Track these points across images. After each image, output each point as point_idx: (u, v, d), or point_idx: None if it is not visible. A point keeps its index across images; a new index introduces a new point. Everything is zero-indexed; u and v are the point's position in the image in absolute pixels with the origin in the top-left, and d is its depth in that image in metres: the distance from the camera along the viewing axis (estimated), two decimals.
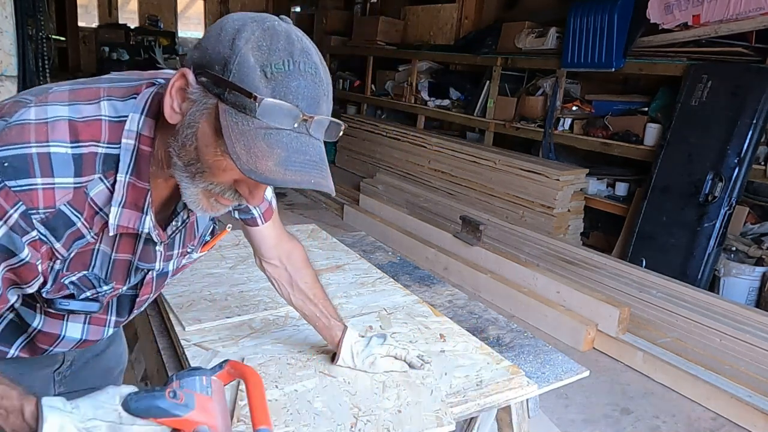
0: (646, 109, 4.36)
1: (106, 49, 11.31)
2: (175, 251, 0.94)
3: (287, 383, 1.14)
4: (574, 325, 3.01)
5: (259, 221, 1.09)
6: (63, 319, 0.91)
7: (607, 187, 4.61)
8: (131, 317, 1.01)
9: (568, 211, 4.38)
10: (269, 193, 1.08)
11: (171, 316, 1.40)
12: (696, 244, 3.55)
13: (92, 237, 0.80)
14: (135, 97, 0.78)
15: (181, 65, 0.78)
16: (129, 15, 12.37)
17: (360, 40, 7.45)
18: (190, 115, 0.72)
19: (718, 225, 3.50)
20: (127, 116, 0.77)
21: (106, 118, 0.76)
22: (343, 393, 1.13)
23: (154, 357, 1.38)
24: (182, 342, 1.29)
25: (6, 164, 0.69)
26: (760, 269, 3.43)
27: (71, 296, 0.84)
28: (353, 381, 1.17)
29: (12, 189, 0.69)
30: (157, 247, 0.89)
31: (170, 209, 0.89)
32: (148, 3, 12.37)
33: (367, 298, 1.58)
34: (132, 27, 12.02)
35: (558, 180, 4.27)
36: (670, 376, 2.69)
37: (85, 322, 0.94)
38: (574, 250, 3.80)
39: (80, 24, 11.32)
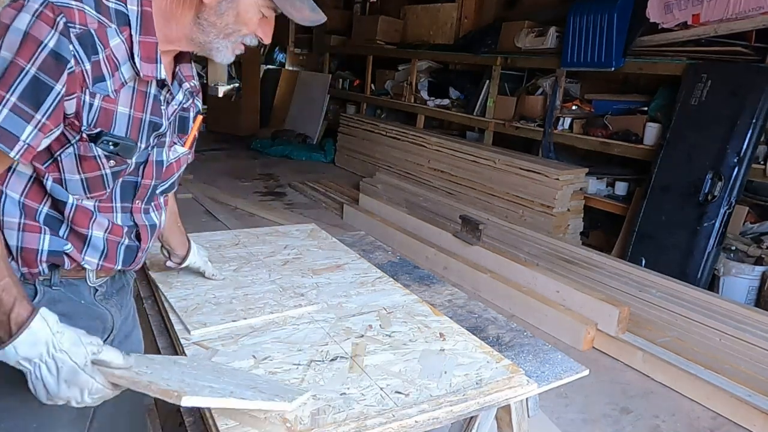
0: (646, 108, 4.36)
1: None
2: (168, 138, 1.11)
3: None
4: (573, 324, 3.02)
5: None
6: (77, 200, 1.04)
7: (606, 186, 4.61)
8: (134, 207, 1.11)
9: (568, 210, 4.38)
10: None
11: (171, 316, 1.40)
12: (695, 243, 3.55)
13: (113, 94, 0.95)
14: None
15: None
16: None
17: (360, 39, 7.46)
18: None
19: (717, 224, 3.50)
20: None
21: None
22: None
23: None
24: (182, 341, 1.29)
25: None
26: (759, 268, 3.43)
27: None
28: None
29: (55, 4, 0.86)
30: (162, 106, 1.06)
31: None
32: None
33: (367, 298, 1.58)
34: None
35: (558, 179, 4.28)
36: (669, 376, 2.69)
37: (95, 208, 1.04)
38: (574, 249, 3.80)
39: None
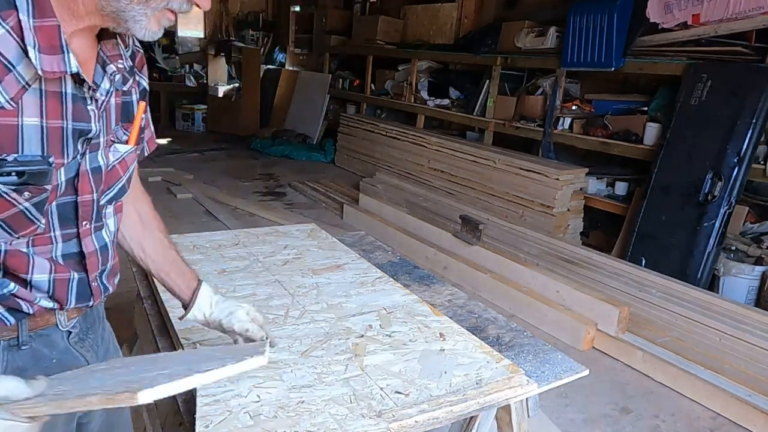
0: (646, 108, 4.36)
1: None
2: (102, 138, 0.89)
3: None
4: (573, 324, 3.01)
5: (146, 150, 1.07)
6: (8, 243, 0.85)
7: (606, 186, 4.61)
8: (81, 230, 0.91)
9: (568, 210, 4.38)
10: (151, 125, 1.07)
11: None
12: (695, 243, 3.55)
13: (9, 104, 0.74)
14: None
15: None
16: None
17: (360, 39, 7.45)
18: None
19: (717, 224, 3.50)
20: None
21: None
22: None
23: None
24: (182, 342, 1.29)
25: None
26: (759, 268, 3.43)
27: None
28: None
29: None
30: (89, 106, 0.84)
31: (90, 72, 0.86)
32: None
33: (367, 298, 1.59)
34: None
35: (558, 179, 4.28)
36: (669, 376, 2.69)
37: (29, 245, 0.86)
38: (574, 249, 3.80)
39: None
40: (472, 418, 1.29)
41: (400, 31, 7.08)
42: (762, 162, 3.57)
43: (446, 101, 6.30)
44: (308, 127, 8.13)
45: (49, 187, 0.81)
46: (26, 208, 0.80)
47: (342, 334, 1.36)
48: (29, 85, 0.75)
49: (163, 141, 7.99)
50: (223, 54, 10.07)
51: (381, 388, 1.15)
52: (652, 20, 3.99)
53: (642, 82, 4.74)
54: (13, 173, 0.76)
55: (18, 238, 0.82)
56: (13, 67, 0.73)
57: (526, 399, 1.32)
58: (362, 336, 1.36)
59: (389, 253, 2.11)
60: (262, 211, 5.02)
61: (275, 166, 7.02)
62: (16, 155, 0.76)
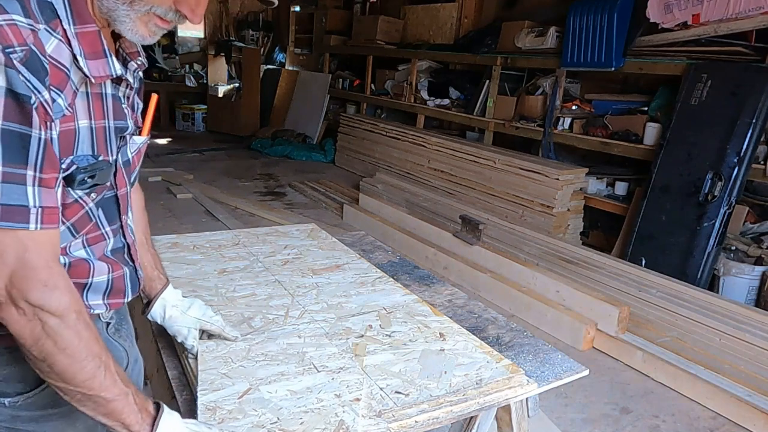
0: (646, 108, 4.36)
1: None
2: (129, 135, 0.94)
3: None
4: (573, 324, 3.01)
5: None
6: (66, 253, 0.89)
7: (606, 186, 4.61)
8: (123, 223, 0.97)
9: (568, 210, 4.38)
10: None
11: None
12: (695, 243, 3.55)
13: (68, 109, 0.77)
14: None
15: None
16: None
17: (360, 39, 7.45)
18: None
19: (717, 224, 3.50)
20: None
21: None
22: None
23: (153, 357, 1.38)
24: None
25: None
26: (759, 268, 3.43)
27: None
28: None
29: None
30: (123, 105, 0.90)
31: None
32: None
33: (367, 298, 1.58)
34: None
35: (558, 179, 4.28)
36: (669, 376, 2.69)
37: (85, 245, 0.90)
38: (574, 249, 3.80)
39: None
40: (472, 418, 1.29)
41: (400, 31, 7.08)
42: (762, 162, 3.57)
43: (446, 101, 6.30)
44: (308, 127, 8.13)
45: (108, 184, 0.88)
46: (90, 209, 0.87)
47: (342, 334, 1.36)
48: (78, 90, 0.79)
49: (163, 141, 7.99)
50: (223, 54, 10.07)
51: (381, 388, 1.15)
52: (652, 20, 3.99)
53: (642, 82, 4.74)
54: (86, 177, 0.81)
55: (77, 237, 0.87)
56: (68, 74, 0.76)
57: (526, 399, 1.32)
58: (362, 336, 1.36)
59: (389, 253, 2.11)
60: (262, 211, 5.02)
61: (275, 166, 7.02)
62: (72, 157, 0.80)
